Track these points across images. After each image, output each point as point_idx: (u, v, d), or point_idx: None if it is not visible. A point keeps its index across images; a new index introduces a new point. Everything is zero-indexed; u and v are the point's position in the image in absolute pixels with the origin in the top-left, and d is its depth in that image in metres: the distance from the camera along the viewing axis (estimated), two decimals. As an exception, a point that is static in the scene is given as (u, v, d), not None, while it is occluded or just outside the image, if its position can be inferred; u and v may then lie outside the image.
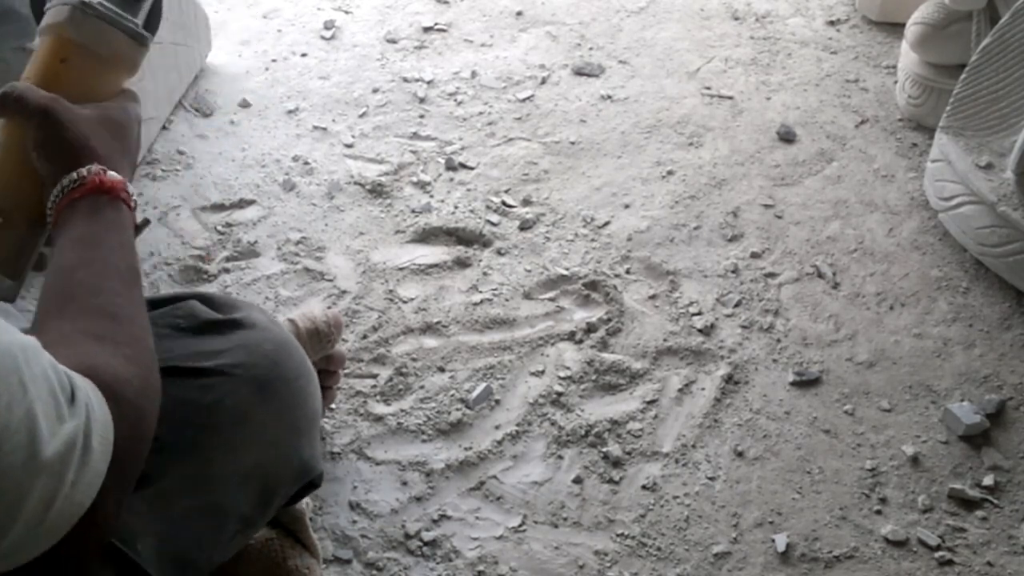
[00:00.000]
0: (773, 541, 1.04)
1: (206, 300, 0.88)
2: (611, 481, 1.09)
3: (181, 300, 0.86)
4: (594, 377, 1.20)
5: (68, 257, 0.66)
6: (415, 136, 1.58)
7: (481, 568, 1.00)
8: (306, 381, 0.88)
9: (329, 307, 1.27)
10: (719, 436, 1.15)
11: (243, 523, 0.80)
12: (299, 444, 0.85)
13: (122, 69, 0.75)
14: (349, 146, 1.55)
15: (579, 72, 1.75)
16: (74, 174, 0.67)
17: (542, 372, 1.20)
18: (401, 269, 1.34)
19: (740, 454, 1.13)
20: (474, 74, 1.72)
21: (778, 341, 1.27)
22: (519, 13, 1.91)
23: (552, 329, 1.26)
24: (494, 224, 1.42)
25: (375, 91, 1.67)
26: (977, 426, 1.15)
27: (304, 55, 1.76)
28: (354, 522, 1.03)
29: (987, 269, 1.37)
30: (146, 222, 0.75)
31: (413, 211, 1.43)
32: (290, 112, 1.62)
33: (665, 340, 1.25)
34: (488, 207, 1.44)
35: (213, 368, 0.79)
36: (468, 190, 1.48)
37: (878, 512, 1.08)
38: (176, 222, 1.38)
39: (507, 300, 1.30)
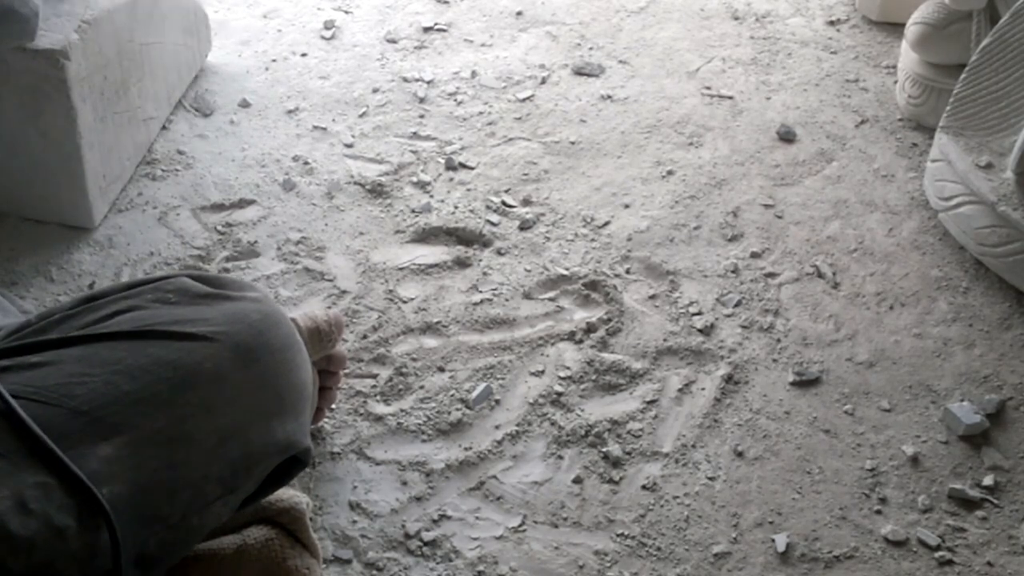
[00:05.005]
0: (773, 541, 1.04)
1: (199, 277, 0.88)
2: (611, 481, 1.09)
3: (173, 278, 0.87)
4: (594, 377, 1.20)
5: None
6: (415, 136, 1.58)
7: (481, 568, 1.00)
8: (293, 353, 0.88)
9: (329, 307, 1.27)
10: (719, 436, 1.15)
11: (224, 488, 0.80)
12: (283, 415, 0.85)
13: None
14: (349, 146, 1.55)
15: (579, 72, 1.75)
16: None
17: (542, 372, 1.20)
18: (401, 269, 1.34)
19: (740, 454, 1.13)
20: (474, 74, 1.72)
21: (778, 341, 1.27)
22: (519, 13, 1.91)
23: (552, 329, 1.26)
24: (494, 224, 1.42)
25: (375, 91, 1.67)
26: (977, 426, 1.15)
27: (304, 55, 1.76)
28: (354, 522, 1.03)
29: (987, 269, 1.37)
30: None
31: (413, 211, 1.43)
32: (290, 112, 1.62)
33: (665, 340, 1.25)
34: (488, 207, 1.44)
35: (196, 333, 0.80)
36: (468, 190, 1.48)
37: (878, 512, 1.08)
38: (176, 222, 1.38)
39: (507, 300, 1.30)
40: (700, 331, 1.27)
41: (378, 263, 1.35)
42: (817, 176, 1.55)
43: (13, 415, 0.71)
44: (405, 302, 1.29)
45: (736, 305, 1.31)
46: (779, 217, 1.47)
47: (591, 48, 1.82)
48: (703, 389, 1.20)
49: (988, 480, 1.11)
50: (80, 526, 0.70)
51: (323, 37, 1.81)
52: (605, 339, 1.25)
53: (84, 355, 0.77)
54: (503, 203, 1.45)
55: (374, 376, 1.18)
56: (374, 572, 0.99)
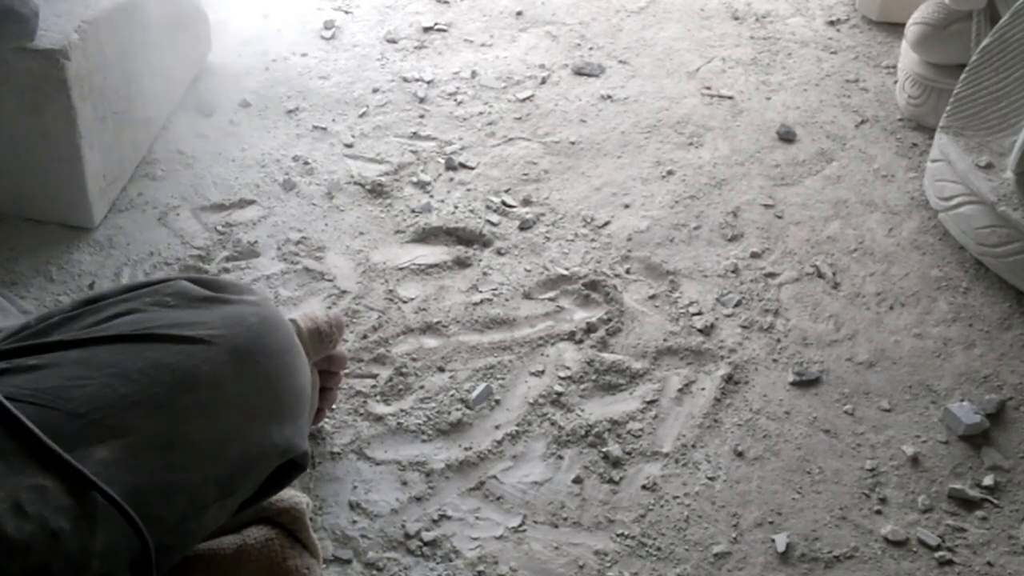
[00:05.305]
0: (773, 541, 1.04)
1: (198, 280, 0.88)
2: (611, 481, 1.09)
3: (171, 281, 0.87)
4: (594, 377, 1.20)
5: None
6: (415, 136, 1.58)
7: (481, 568, 1.00)
8: (291, 357, 0.88)
9: (329, 307, 1.27)
10: (719, 436, 1.15)
11: (221, 491, 0.80)
12: (281, 419, 0.85)
13: None
14: (349, 146, 1.55)
15: (579, 72, 1.75)
16: None
17: (542, 372, 1.20)
18: (401, 269, 1.34)
19: (740, 454, 1.13)
20: (474, 74, 1.72)
21: (778, 341, 1.27)
22: (519, 13, 1.91)
23: (552, 329, 1.26)
24: (494, 224, 1.42)
25: (375, 91, 1.68)
26: (977, 426, 1.15)
27: (304, 55, 1.76)
28: (354, 522, 1.03)
29: (987, 269, 1.37)
30: None
31: (413, 211, 1.43)
32: (290, 112, 1.62)
33: (665, 340, 1.25)
34: (488, 207, 1.44)
35: (194, 336, 0.80)
36: (468, 190, 1.48)
37: (878, 512, 1.08)
38: (176, 222, 1.38)
39: (507, 300, 1.30)
40: (700, 331, 1.27)
41: (378, 263, 1.35)
42: (817, 176, 1.55)
43: (9, 416, 0.71)
44: (405, 302, 1.29)
45: (736, 305, 1.31)
46: (779, 217, 1.47)
47: (591, 48, 1.82)
48: (703, 389, 1.20)
49: (988, 480, 1.11)
50: (76, 529, 0.70)
51: (323, 37, 1.81)
52: (605, 339, 1.25)
53: (82, 358, 0.77)
54: (503, 203, 1.45)
55: (374, 376, 1.18)
56: (374, 572, 0.99)
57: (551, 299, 1.31)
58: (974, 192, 1.35)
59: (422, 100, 1.66)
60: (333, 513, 1.04)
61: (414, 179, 1.49)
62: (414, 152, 1.55)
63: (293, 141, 1.56)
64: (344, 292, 1.30)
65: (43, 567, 0.68)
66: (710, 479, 1.10)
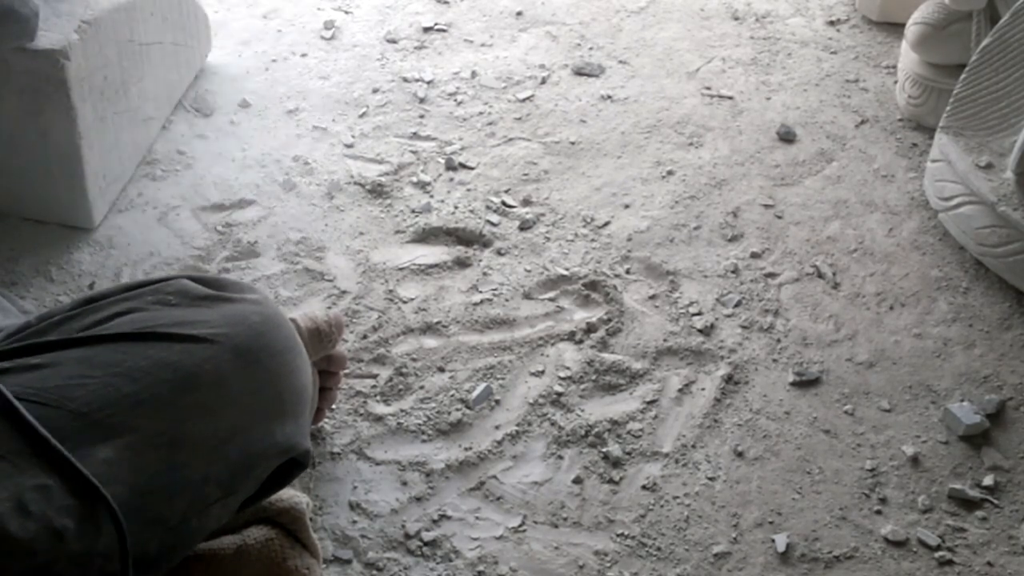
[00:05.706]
0: (773, 541, 1.04)
1: (199, 279, 0.88)
2: (611, 481, 1.09)
3: (173, 280, 0.87)
4: (594, 377, 1.20)
5: None
6: (415, 136, 1.58)
7: (481, 568, 1.00)
8: (293, 356, 0.88)
9: (329, 307, 1.27)
10: (719, 436, 1.15)
11: (223, 490, 0.80)
12: (283, 417, 0.85)
13: None
14: (349, 146, 1.55)
15: (579, 72, 1.75)
16: None
17: (542, 372, 1.20)
18: (401, 269, 1.34)
19: (740, 454, 1.13)
20: (474, 74, 1.72)
21: (778, 341, 1.27)
22: (519, 13, 1.91)
23: (552, 329, 1.26)
24: (494, 224, 1.42)
25: (375, 91, 1.67)
26: (977, 426, 1.15)
27: (304, 55, 1.76)
28: (354, 522, 1.03)
29: (987, 269, 1.37)
30: None
31: (413, 211, 1.43)
32: (290, 112, 1.61)
33: (665, 340, 1.25)
34: (488, 207, 1.44)
35: (196, 335, 0.80)
36: (468, 190, 1.48)
37: (878, 512, 1.08)
38: (176, 222, 1.38)
39: (507, 300, 1.30)
40: (700, 331, 1.27)
41: (378, 263, 1.35)
42: (817, 176, 1.55)
43: (16, 416, 0.71)
44: (405, 302, 1.29)
45: (736, 305, 1.31)
46: (779, 217, 1.47)
47: (591, 48, 1.82)
48: (703, 389, 1.20)
49: (988, 480, 1.11)
50: (80, 528, 0.70)
51: (323, 37, 1.81)
52: (605, 339, 1.25)
53: (84, 357, 0.77)
54: (503, 203, 1.45)
55: (374, 376, 1.18)
56: (374, 572, 0.99)
57: (551, 299, 1.31)
58: (974, 192, 1.35)
59: (422, 100, 1.66)
60: (333, 513, 1.04)
61: (414, 179, 1.49)
62: (414, 152, 1.55)
63: (293, 141, 1.56)
64: (344, 292, 1.30)
65: (47, 567, 0.68)
66: (710, 479, 1.10)
